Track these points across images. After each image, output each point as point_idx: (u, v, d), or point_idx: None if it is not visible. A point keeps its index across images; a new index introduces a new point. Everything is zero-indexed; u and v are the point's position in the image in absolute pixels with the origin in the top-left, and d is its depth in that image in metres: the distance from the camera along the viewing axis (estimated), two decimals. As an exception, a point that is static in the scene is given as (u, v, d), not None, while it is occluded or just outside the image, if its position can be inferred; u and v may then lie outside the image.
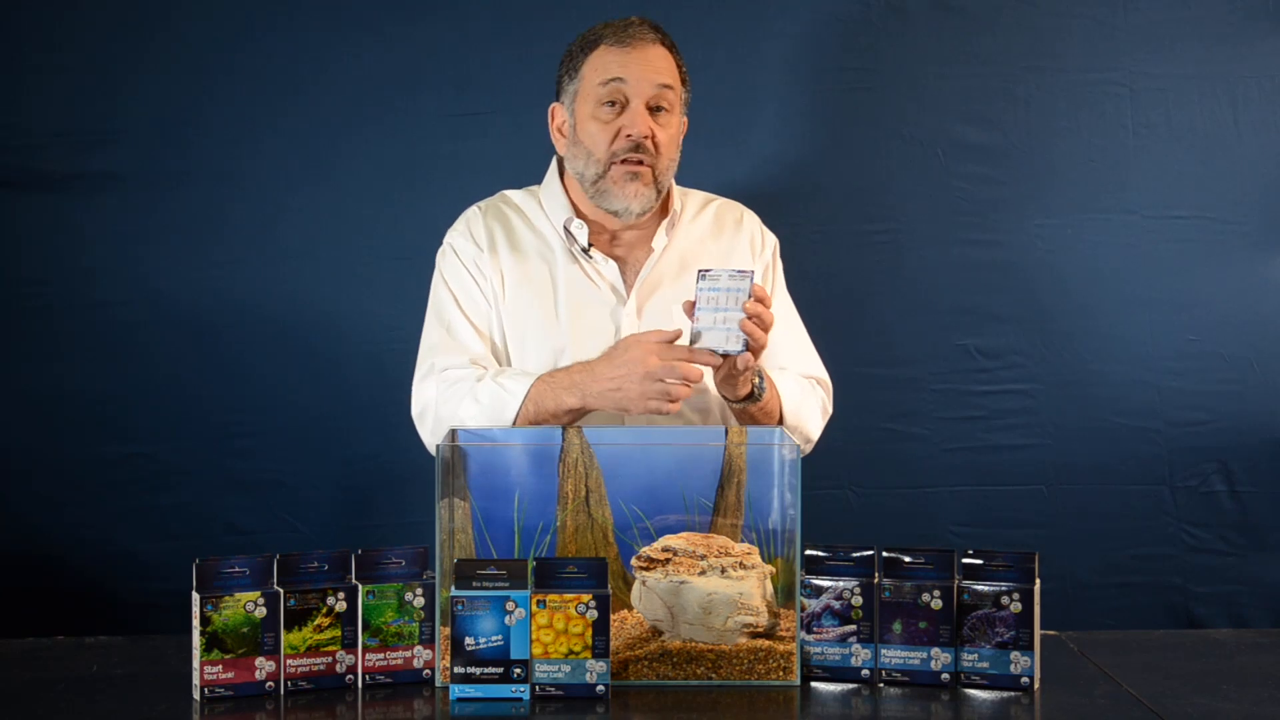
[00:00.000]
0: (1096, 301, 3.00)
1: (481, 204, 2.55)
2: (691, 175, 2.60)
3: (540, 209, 2.51)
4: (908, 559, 2.00)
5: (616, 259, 2.47)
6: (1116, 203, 2.99)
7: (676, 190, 2.53)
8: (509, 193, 2.56)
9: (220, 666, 1.93)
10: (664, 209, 2.51)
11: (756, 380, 2.30)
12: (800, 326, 2.58)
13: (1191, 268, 2.99)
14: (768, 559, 2.01)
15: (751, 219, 2.58)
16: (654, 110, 2.40)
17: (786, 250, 2.60)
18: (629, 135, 2.37)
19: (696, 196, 2.58)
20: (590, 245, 2.46)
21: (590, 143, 2.41)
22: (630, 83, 2.38)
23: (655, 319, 2.44)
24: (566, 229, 2.47)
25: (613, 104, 2.39)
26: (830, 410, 2.56)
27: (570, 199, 2.49)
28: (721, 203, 2.59)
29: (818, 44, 2.96)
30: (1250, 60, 2.97)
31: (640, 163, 2.39)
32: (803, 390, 2.47)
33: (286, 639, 1.95)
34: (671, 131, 2.43)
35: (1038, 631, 1.97)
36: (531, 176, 2.56)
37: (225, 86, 2.93)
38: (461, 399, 2.34)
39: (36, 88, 2.92)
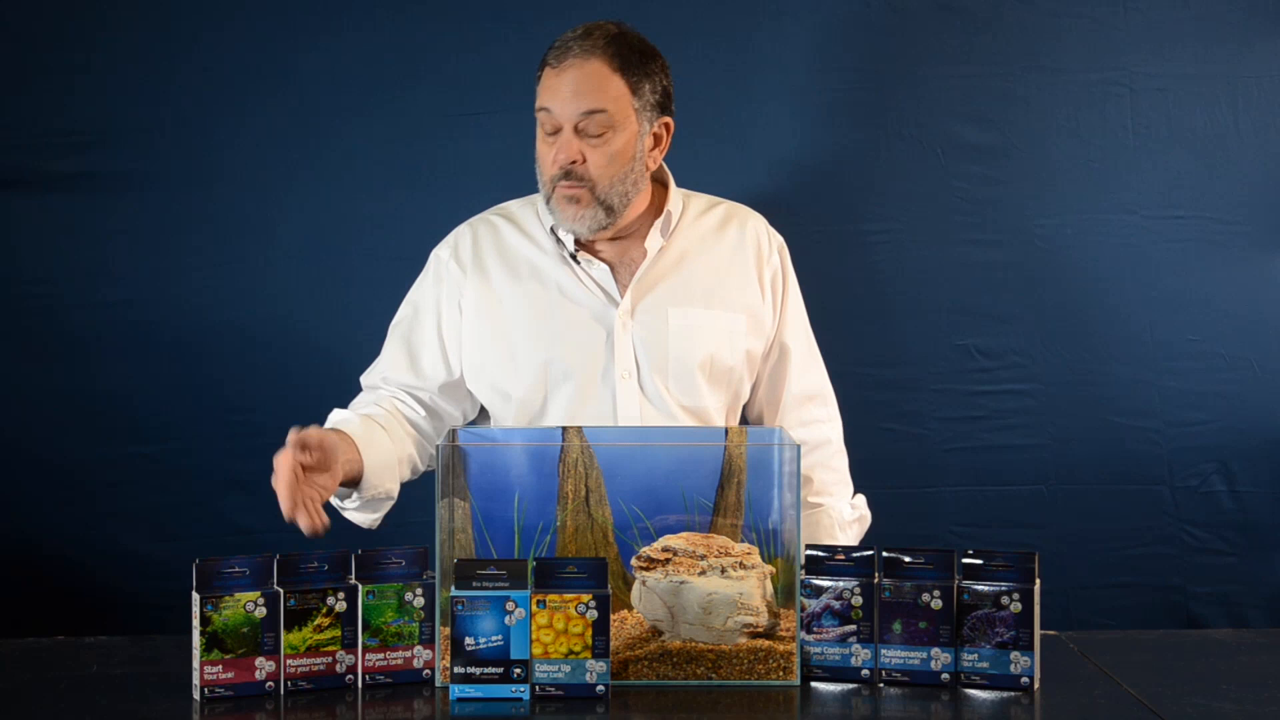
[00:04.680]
0: (1096, 301, 3.00)
1: (473, 219, 2.55)
2: (691, 175, 2.60)
3: (536, 215, 2.51)
4: (908, 559, 2.00)
5: (609, 261, 2.46)
6: (1116, 203, 2.99)
7: (677, 192, 2.52)
8: (510, 203, 2.57)
9: (220, 666, 1.93)
10: (659, 209, 2.50)
11: None
12: (809, 335, 2.59)
13: (1191, 268, 2.99)
14: (768, 559, 2.01)
15: (758, 223, 2.57)
16: (585, 135, 2.37)
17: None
18: (558, 162, 2.38)
19: (701, 199, 2.57)
20: (578, 249, 2.45)
21: (539, 164, 2.43)
22: (555, 111, 2.37)
23: (649, 319, 2.44)
24: (555, 233, 2.47)
25: (552, 128, 2.39)
26: (840, 428, 2.62)
27: None
28: (729, 206, 2.57)
29: (818, 44, 2.97)
30: (1250, 60, 2.97)
31: (577, 185, 2.38)
32: (856, 522, 2.58)
33: (286, 639, 1.95)
34: (613, 148, 2.37)
35: (1038, 631, 1.97)
36: (531, 177, 2.56)
37: (224, 86, 2.93)
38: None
39: (36, 88, 2.92)
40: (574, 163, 2.37)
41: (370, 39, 2.94)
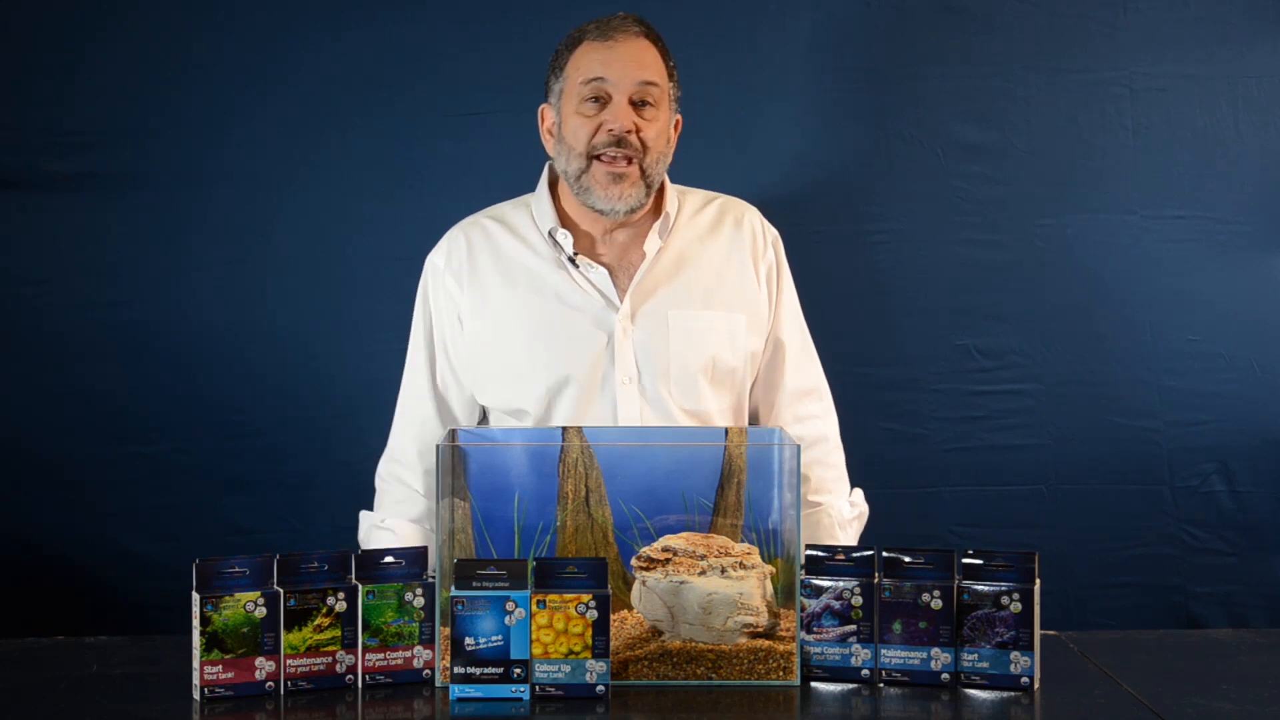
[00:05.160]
0: (1096, 301, 3.00)
1: (465, 221, 2.53)
2: (691, 175, 2.60)
3: (530, 219, 2.49)
4: (908, 559, 2.00)
5: (608, 265, 2.44)
6: (1116, 203, 2.99)
7: (673, 190, 2.51)
8: (502, 205, 2.54)
9: (220, 666, 1.93)
10: (657, 210, 2.48)
11: None
12: (804, 330, 2.58)
13: (1191, 268, 2.99)
14: (768, 559, 2.01)
15: (753, 216, 2.55)
16: (638, 105, 2.37)
17: (786, 250, 2.59)
18: (610, 130, 2.35)
19: (696, 195, 2.56)
20: (576, 253, 2.43)
21: (572, 138, 2.38)
22: (611, 80, 2.36)
23: (650, 323, 2.42)
24: (552, 237, 2.45)
25: (596, 100, 2.37)
26: (836, 423, 2.60)
27: (558, 207, 2.47)
28: (723, 201, 2.56)
29: (818, 44, 2.96)
30: (1250, 60, 2.97)
31: (627, 160, 2.36)
32: (856, 519, 2.56)
33: (286, 639, 1.95)
34: (659, 126, 2.39)
35: (1038, 631, 1.97)
36: (531, 177, 2.56)
37: (224, 86, 2.93)
38: (370, 530, 2.49)
39: (36, 88, 2.92)
40: (629, 132, 2.35)
41: (370, 39, 2.94)
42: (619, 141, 2.35)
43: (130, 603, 2.93)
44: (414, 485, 2.48)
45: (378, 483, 2.53)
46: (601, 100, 2.36)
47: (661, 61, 2.41)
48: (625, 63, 2.36)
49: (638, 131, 2.36)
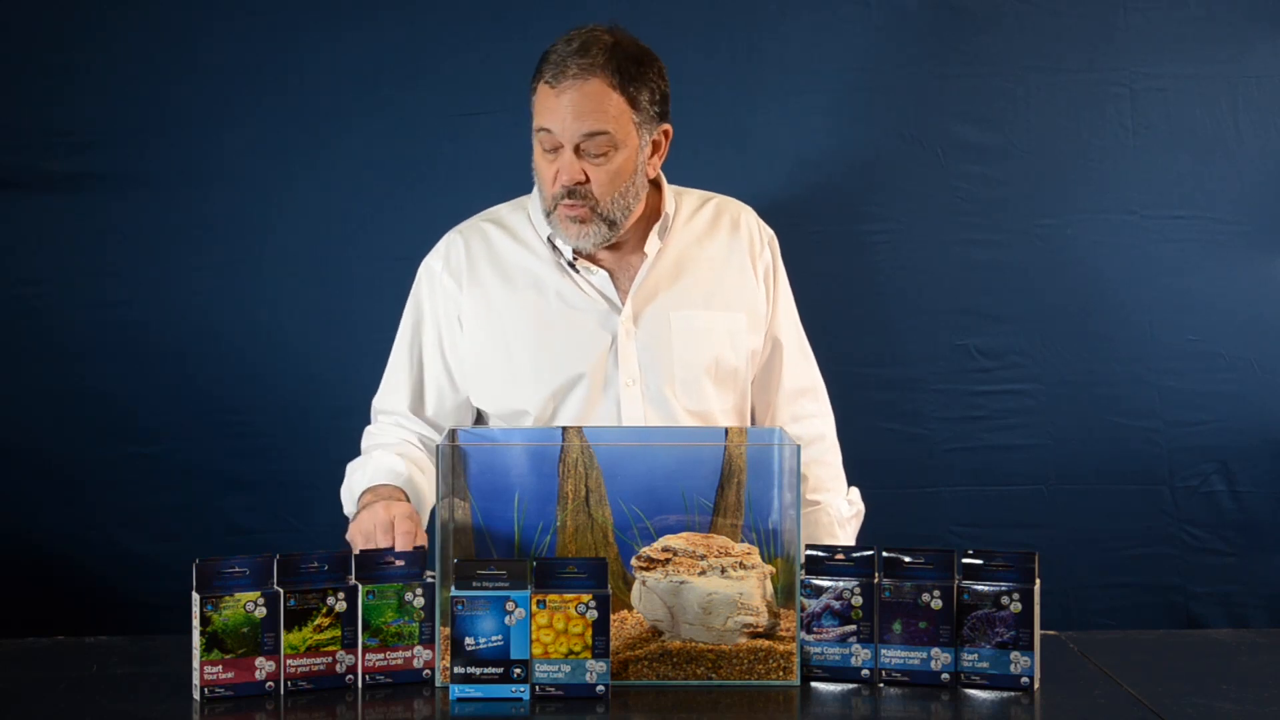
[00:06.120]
0: (1096, 301, 3.00)
1: (463, 225, 2.52)
2: (691, 175, 2.60)
3: (529, 221, 2.48)
4: (908, 559, 2.00)
5: (607, 268, 2.43)
6: (1116, 203, 2.99)
7: (670, 191, 2.50)
8: (500, 207, 2.54)
9: (220, 666, 1.93)
10: (656, 213, 2.48)
11: None
12: (800, 329, 2.57)
13: (1191, 268, 2.99)
14: (768, 559, 2.01)
15: (749, 218, 2.55)
16: (587, 154, 2.34)
17: (786, 250, 2.58)
18: (562, 183, 2.34)
19: (693, 196, 2.55)
20: (576, 257, 2.43)
21: (539, 178, 2.40)
22: (556, 131, 2.33)
23: (652, 325, 2.42)
24: (551, 242, 2.45)
25: (550, 147, 2.35)
26: (832, 422, 2.59)
27: None
28: (719, 201, 2.55)
29: (818, 44, 2.97)
30: (1250, 60, 2.98)
31: (580, 204, 2.35)
32: (854, 517, 2.56)
33: (286, 639, 1.95)
34: (613, 167, 2.34)
35: (1038, 631, 1.96)
36: (530, 177, 2.56)
37: (224, 86, 2.94)
38: (351, 472, 2.44)
39: (36, 88, 2.92)
40: (577, 183, 2.34)
41: (370, 39, 2.94)
42: (570, 192, 2.34)
43: (130, 603, 2.94)
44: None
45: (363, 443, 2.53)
46: (554, 148, 2.35)
47: (618, 95, 2.33)
48: (569, 115, 2.31)
49: (587, 180, 2.34)
